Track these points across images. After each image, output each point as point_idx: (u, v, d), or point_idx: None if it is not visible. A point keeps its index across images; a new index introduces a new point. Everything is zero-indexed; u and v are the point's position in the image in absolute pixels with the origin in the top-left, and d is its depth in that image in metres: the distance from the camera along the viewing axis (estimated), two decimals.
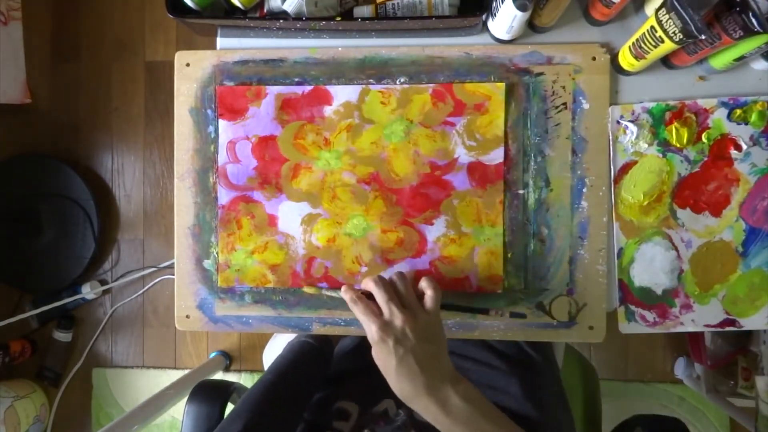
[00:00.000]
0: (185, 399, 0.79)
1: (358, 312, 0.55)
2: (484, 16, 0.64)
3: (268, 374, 0.73)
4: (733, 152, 0.66)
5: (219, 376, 1.51)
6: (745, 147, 0.66)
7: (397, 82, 0.69)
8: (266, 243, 0.70)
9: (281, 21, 0.65)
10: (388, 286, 0.56)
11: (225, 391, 0.81)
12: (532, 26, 0.67)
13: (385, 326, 0.53)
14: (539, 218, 0.68)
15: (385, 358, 0.53)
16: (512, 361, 0.72)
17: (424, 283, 0.58)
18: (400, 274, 0.58)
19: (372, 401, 0.67)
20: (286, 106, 0.70)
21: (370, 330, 0.54)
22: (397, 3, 0.65)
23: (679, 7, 0.52)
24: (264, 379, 0.72)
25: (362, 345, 0.81)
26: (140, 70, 1.56)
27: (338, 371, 0.80)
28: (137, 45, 1.56)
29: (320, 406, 0.72)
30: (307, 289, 0.68)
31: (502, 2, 0.59)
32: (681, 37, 0.54)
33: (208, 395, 0.79)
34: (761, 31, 0.52)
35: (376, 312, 0.55)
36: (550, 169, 0.67)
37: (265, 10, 0.68)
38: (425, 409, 0.52)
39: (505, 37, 0.66)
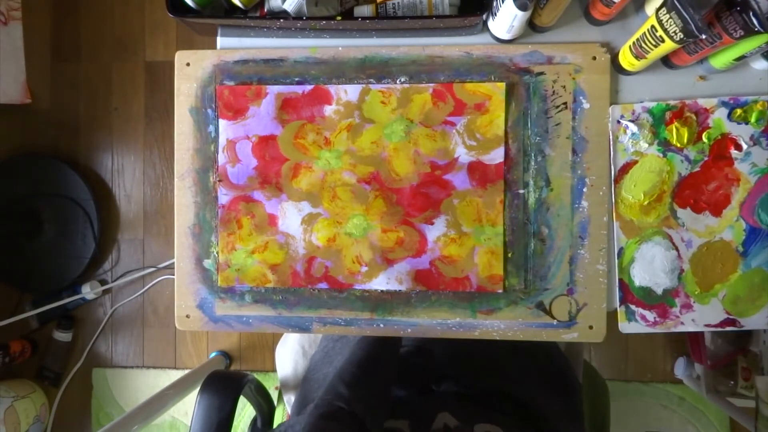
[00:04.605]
0: (186, 398, 0.79)
1: None
2: (484, 16, 0.64)
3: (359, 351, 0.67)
4: (734, 152, 0.66)
5: None
6: (745, 147, 0.66)
7: (398, 82, 0.69)
8: (266, 243, 0.70)
9: (281, 20, 0.65)
10: None
11: (239, 383, 0.80)
12: (532, 26, 0.67)
13: None
14: (540, 218, 0.68)
15: None
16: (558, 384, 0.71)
17: None
18: None
19: (426, 417, 0.61)
20: (286, 105, 0.70)
21: None
22: (398, 2, 0.65)
23: (679, 7, 0.52)
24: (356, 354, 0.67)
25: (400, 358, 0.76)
26: (140, 70, 1.56)
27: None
28: (137, 45, 1.56)
29: None
30: None
31: (503, 2, 0.59)
32: (681, 36, 0.54)
33: (222, 386, 0.78)
34: (761, 30, 0.52)
35: None
36: (551, 168, 0.67)
37: (265, 10, 0.68)
38: None
39: (505, 36, 0.66)
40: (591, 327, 0.68)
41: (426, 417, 0.60)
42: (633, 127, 0.66)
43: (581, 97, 0.67)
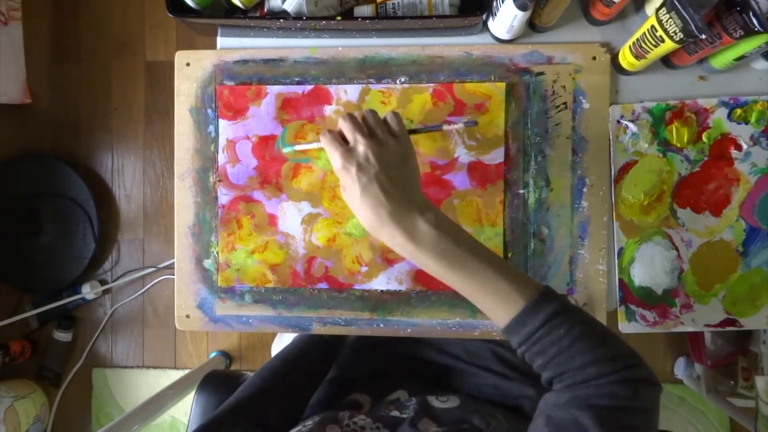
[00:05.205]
0: (185, 399, 0.79)
1: (325, 143, 0.53)
2: (484, 16, 0.64)
3: (273, 360, 0.73)
4: (734, 152, 0.66)
5: None
6: (745, 147, 0.66)
7: (398, 82, 0.69)
8: (266, 243, 0.70)
9: (281, 20, 0.65)
10: (354, 118, 0.54)
11: (235, 382, 0.80)
12: (532, 26, 0.67)
13: (348, 153, 0.51)
14: (539, 218, 0.68)
15: (349, 188, 0.51)
16: (526, 373, 0.72)
17: (387, 114, 0.56)
18: (370, 110, 0.55)
19: (384, 392, 0.67)
20: (286, 105, 0.70)
21: (334, 159, 0.52)
22: (398, 2, 0.65)
23: (679, 7, 0.52)
24: (269, 364, 0.71)
25: (372, 342, 0.80)
26: (140, 70, 1.56)
27: (351, 369, 0.79)
28: (137, 45, 1.56)
29: (332, 399, 0.71)
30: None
31: (503, 2, 0.59)
32: (681, 36, 0.54)
33: (219, 386, 0.78)
34: (761, 30, 0.52)
35: (342, 142, 0.53)
36: (551, 168, 0.67)
37: (265, 10, 0.68)
38: (392, 238, 0.50)
39: (505, 36, 0.66)
40: None
41: (384, 391, 0.66)
42: (633, 127, 0.66)
43: (581, 97, 0.67)
